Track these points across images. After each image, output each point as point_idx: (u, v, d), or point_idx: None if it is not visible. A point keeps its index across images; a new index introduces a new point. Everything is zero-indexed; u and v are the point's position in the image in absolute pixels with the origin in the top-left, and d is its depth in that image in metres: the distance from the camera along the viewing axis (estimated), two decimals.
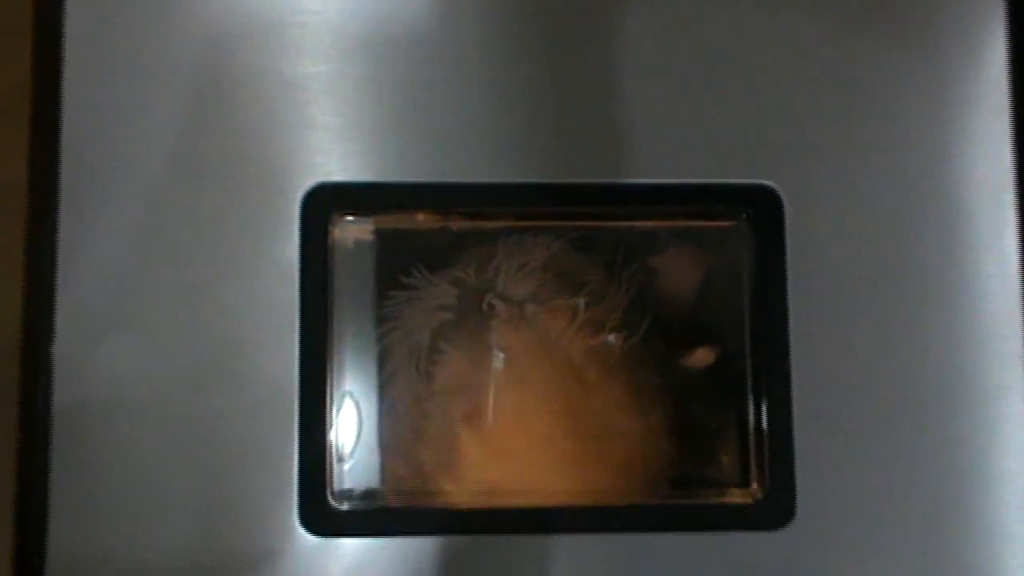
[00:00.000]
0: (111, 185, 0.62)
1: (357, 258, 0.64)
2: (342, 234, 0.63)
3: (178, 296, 0.61)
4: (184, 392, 0.61)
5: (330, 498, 0.61)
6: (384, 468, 0.63)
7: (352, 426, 0.63)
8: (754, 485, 0.63)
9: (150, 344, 0.61)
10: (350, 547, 0.61)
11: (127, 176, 0.62)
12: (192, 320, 0.61)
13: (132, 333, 0.61)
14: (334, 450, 0.62)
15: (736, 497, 0.63)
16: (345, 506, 0.62)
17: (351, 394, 0.63)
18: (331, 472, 0.61)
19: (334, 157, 0.63)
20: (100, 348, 0.61)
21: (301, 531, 0.60)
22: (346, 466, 0.63)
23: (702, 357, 0.64)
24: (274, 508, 0.60)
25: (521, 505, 0.62)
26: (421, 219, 0.64)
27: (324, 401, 0.61)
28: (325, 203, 0.62)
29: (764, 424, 0.63)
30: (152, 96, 0.62)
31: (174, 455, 0.60)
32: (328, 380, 0.62)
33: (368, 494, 0.63)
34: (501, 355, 0.63)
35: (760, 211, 0.64)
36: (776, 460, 0.62)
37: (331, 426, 0.62)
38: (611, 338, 0.64)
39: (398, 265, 0.64)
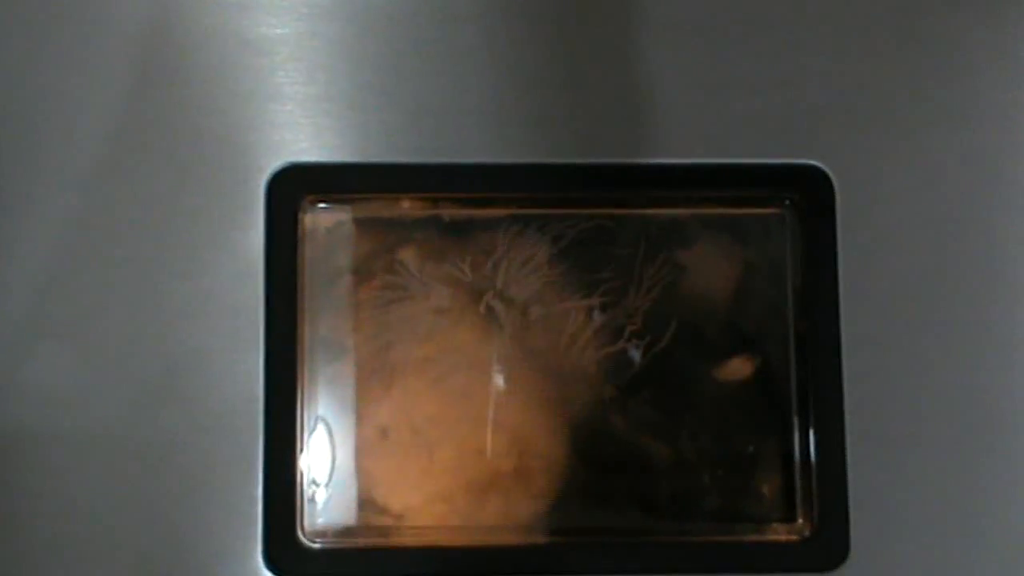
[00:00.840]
0: (39, 169, 0.59)
1: (332, 252, 0.60)
2: (314, 223, 0.60)
3: (120, 299, 0.58)
4: (128, 412, 0.58)
5: (300, 535, 0.58)
6: (363, 500, 0.59)
7: (326, 451, 0.59)
8: (800, 520, 0.59)
9: (86, 356, 0.58)
10: None
11: (58, 158, 0.59)
12: (137, 327, 0.58)
13: (65, 343, 0.58)
14: (305, 479, 0.58)
15: (780, 534, 0.60)
16: (318, 544, 0.58)
17: (325, 413, 0.59)
18: (302, 505, 0.58)
19: (305, 133, 0.60)
20: (27, 362, 0.58)
21: (267, 574, 0.57)
22: (319, 498, 0.59)
23: (738, 369, 0.60)
24: (235, 547, 0.57)
25: (524, 543, 0.59)
26: (407, 207, 0.61)
27: (294, 421, 0.58)
28: (295, 187, 0.60)
29: (812, 448, 0.59)
30: (87, 63, 0.59)
31: (116, 486, 0.57)
32: (298, 396, 0.59)
33: (344, 531, 0.59)
34: (501, 375, 0.60)
35: (807, 195, 0.61)
36: (826, 491, 0.59)
37: (302, 451, 0.58)
38: (632, 349, 0.59)
39: (381, 260, 0.60)
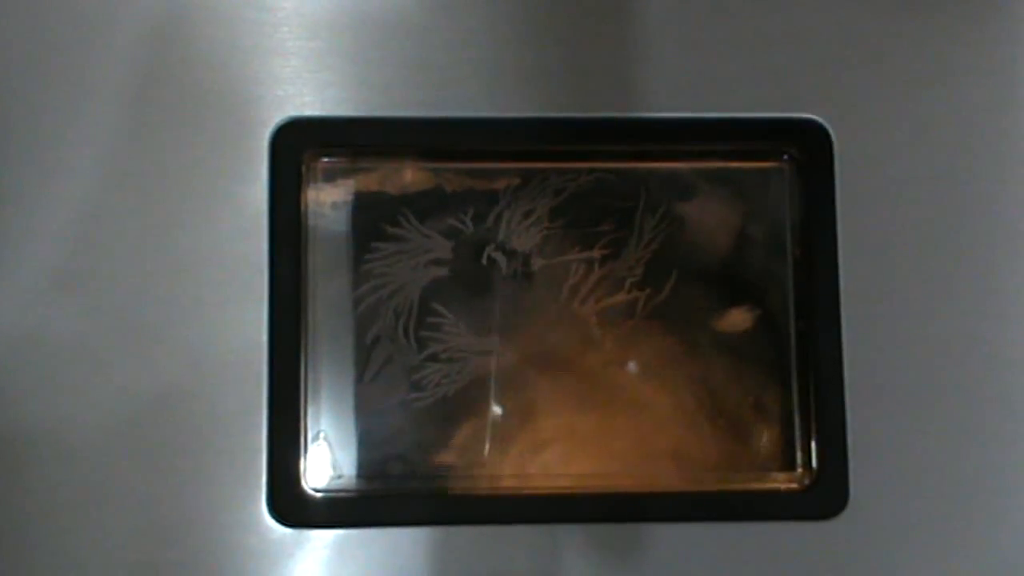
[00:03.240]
0: (43, 124, 0.59)
1: (335, 205, 0.61)
2: (317, 176, 0.61)
3: (124, 252, 0.59)
4: (131, 361, 0.58)
5: (304, 483, 0.59)
6: (367, 448, 0.60)
7: (330, 399, 0.60)
8: (800, 469, 0.60)
9: (91, 307, 0.59)
10: (327, 539, 0.58)
11: (63, 113, 0.60)
12: (142, 279, 0.59)
13: (70, 295, 0.59)
14: (308, 427, 0.59)
15: (780, 482, 0.61)
16: (321, 492, 0.59)
17: (329, 360, 0.60)
18: (305, 453, 0.59)
19: (308, 88, 0.61)
20: (33, 310, 0.58)
21: (270, 521, 0.58)
22: (322, 446, 0.60)
23: (738, 320, 0.61)
24: (239, 495, 0.58)
25: (527, 491, 0.60)
26: (408, 173, 0.61)
27: (298, 369, 0.59)
28: (298, 141, 0.60)
29: (811, 398, 0.60)
30: (93, 20, 0.60)
31: (119, 436, 0.58)
32: (302, 345, 0.59)
33: (348, 478, 0.60)
34: (503, 326, 0.61)
35: (806, 150, 0.62)
36: (826, 440, 0.60)
37: (305, 399, 0.59)
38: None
39: (383, 213, 0.61)
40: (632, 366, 0.61)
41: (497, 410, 0.60)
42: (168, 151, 0.60)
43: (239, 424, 0.58)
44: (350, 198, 0.61)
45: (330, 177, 0.61)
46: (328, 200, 0.61)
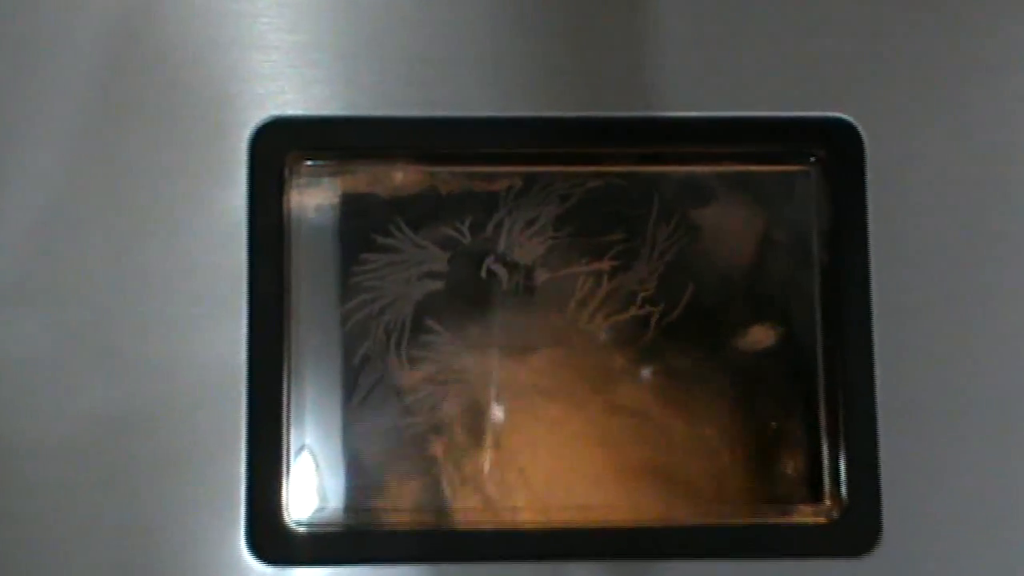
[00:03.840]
0: (9, 127, 0.59)
1: (320, 211, 0.60)
2: (301, 180, 0.60)
3: (94, 263, 0.58)
4: (97, 382, 0.58)
5: (285, 518, 0.58)
6: (354, 477, 0.59)
7: (315, 423, 0.59)
8: (828, 500, 0.59)
9: (59, 323, 0.58)
10: None
11: (31, 112, 0.59)
12: (108, 291, 0.58)
13: (37, 310, 0.58)
14: (291, 455, 0.58)
15: (806, 516, 0.60)
16: (304, 526, 0.58)
17: (314, 382, 0.59)
18: (287, 485, 0.58)
19: (291, 84, 0.60)
20: None
21: (249, 558, 0.57)
22: (306, 475, 0.59)
23: (760, 338, 0.60)
24: (216, 530, 0.57)
25: (531, 525, 0.59)
26: (400, 177, 0.61)
27: (279, 391, 0.58)
28: (280, 142, 0.60)
29: (840, 422, 0.59)
30: (56, 9, 0.59)
31: (83, 463, 0.57)
32: (285, 364, 0.59)
33: (333, 511, 0.59)
34: (503, 344, 0.60)
35: (834, 151, 0.61)
36: (856, 468, 0.59)
37: (288, 423, 0.58)
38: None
39: (373, 220, 0.61)
40: (644, 388, 0.60)
41: (496, 435, 0.59)
42: (138, 153, 0.59)
43: (215, 451, 0.57)
44: (336, 204, 0.60)
45: (315, 181, 0.60)
46: (313, 206, 0.60)
